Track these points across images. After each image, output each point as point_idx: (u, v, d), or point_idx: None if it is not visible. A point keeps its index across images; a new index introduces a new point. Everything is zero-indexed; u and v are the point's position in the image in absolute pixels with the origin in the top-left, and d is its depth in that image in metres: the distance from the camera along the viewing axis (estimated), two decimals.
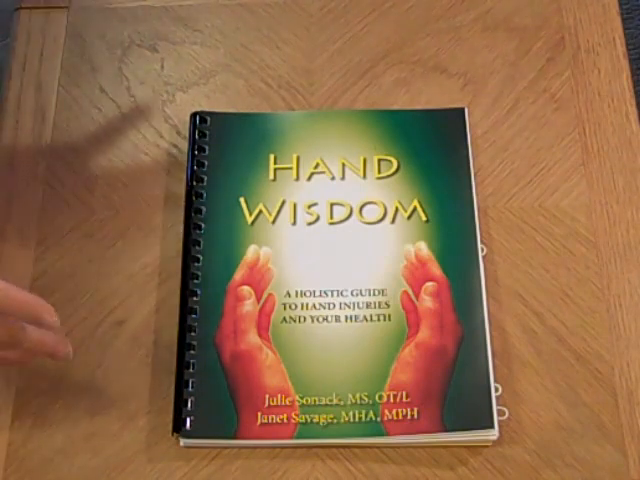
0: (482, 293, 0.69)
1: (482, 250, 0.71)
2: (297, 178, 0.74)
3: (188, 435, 0.65)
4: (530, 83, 0.78)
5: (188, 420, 0.66)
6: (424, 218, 0.72)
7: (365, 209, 0.72)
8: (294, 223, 0.72)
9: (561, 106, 0.77)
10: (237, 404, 0.66)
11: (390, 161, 0.74)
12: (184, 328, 0.68)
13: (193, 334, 0.68)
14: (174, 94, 0.80)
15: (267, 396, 0.66)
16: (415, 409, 0.65)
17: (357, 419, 0.65)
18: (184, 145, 0.76)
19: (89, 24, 0.83)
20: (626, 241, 0.72)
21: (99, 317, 0.71)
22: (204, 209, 0.72)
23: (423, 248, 0.71)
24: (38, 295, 0.60)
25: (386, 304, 0.69)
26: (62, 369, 0.69)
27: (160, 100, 0.79)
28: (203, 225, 0.72)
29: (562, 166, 0.75)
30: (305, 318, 0.68)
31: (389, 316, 0.68)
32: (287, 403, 0.66)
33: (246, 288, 0.69)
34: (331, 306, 0.69)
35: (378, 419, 0.65)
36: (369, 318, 0.68)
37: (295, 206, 0.73)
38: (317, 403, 0.66)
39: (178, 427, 0.65)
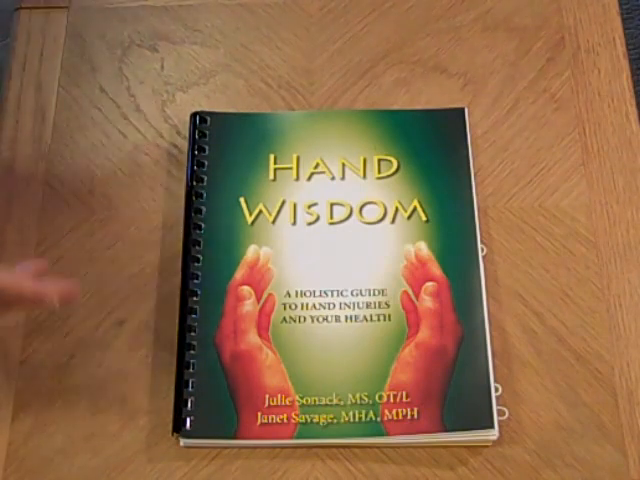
0: (482, 293, 0.69)
1: (482, 250, 0.71)
2: (297, 178, 0.74)
3: (188, 435, 0.65)
4: (530, 83, 0.78)
5: (188, 420, 0.66)
6: (424, 218, 0.72)
7: (365, 209, 0.72)
8: (294, 223, 0.72)
9: (561, 106, 0.77)
10: (237, 404, 0.66)
11: (390, 161, 0.74)
12: (184, 328, 0.68)
13: (193, 334, 0.68)
14: (174, 94, 0.80)
15: (267, 396, 0.66)
16: (415, 409, 0.65)
17: (357, 419, 0.65)
18: (184, 145, 0.76)
19: (89, 24, 0.83)
20: (626, 241, 0.72)
21: (99, 317, 0.71)
22: (204, 209, 0.72)
23: (423, 248, 0.71)
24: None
25: (386, 304, 0.69)
26: (62, 369, 0.69)
27: (160, 100, 0.79)
28: (203, 225, 0.72)
29: (562, 166, 0.75)
30: (305, 318, 0.68)
31: (389, 316, 0.68)
32: (287, 403, 0.66)
33: (246, 288, 0.69)
34: (331, 306, 0.69)
35: (378, 419, 0.65)
36: (369, 318, 0.68)
37: (295, 206, 0.73)
38: (317, 403, 0.66)
39: (178, 427, 0.65)
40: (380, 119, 0.76)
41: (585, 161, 0.75)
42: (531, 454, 0.65)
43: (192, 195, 0.73)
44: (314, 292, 0.69)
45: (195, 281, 0.70)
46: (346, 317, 0.68)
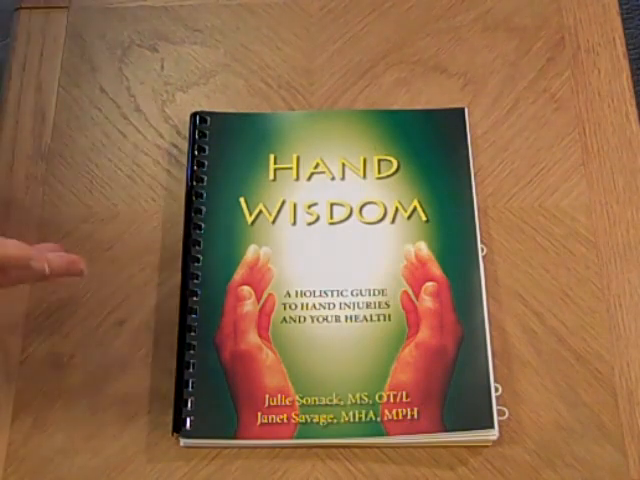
0: (482, 293, 0.69)
1: (482, 250, 0.71)
2: (297, 178, 0.74)
3: (188, 435, 0.65)
4: (530, 83, 0.78)
5: (188, 420, 0.66)
6: (424, 218, 0.72)
7: (365, 209, 0.72)
8: (294, 223, 0.72)
9: (561, 106, 0.77)
10: (237, 404, 0.66)
11: (390, 161, 0.74)
12: (184, 328, 0.68)
13: (193, 334, 0.68)
14: (174, 94, 0.80)
15: (267, 396, 0.66)
16: (415, 409, 0.65)
17: (357, 419, 0.65)
18: (184, 145, 0.76)
19: (89, 24, 0.83)
20: (626, 241, 0.72)
21: (99, 317, 0.71)
22: (204, 209, 0.72)
23: (423, 248, 0.71)
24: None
25: (386, 304, 0.69)
26: (62, 369, 0.69)
27: (160, 100, 0.79)
28: (203, 225, 0.72)
29: (562, 166, 0.75)
30: (305, 318, 0.68)
31: (389, 316, 0.68)
32: (287, 403, 0.66)
33: (246, 288, 0.69)
34: (331, 306, 0.69)
35: (378, 419, 0.65)
36: (369, 318, 0.68)
37: (295, 206, 0.73)
38: (317, 403, 0.66)
39: (178, 427, 0.65)
40: (380, 119, 0.76)
41: (585, 161, 0.75)
42: (531, 454, 0.65)
43: (192, 195, 0.73)
44: (314, 292, 0.69)
45: (195, 281, 0.70)
46: (346, 317, 0.68)
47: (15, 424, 0.67)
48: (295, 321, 0.68)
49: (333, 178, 0.74)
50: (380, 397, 0.66)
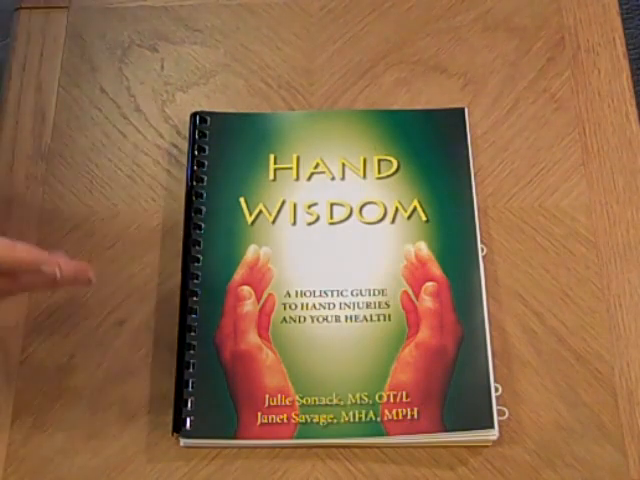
0: (482, 293, 0.69)
1: (482, 250, 0.71)
2: (297, 178, 0.74)
3: (188, 435, 0.65)
4: (530, 83, 0.78)
5: (188, 420, 0.66)
6: (424, 218, 0.72)
7: (365, 209, 0.72)
8: (294, 223, 0.72)
9: (561, 106, 0.77)
10: (237, 404, 0.66)
11: (390, 161, 0.74)
12: (184, 328, 0.68)
13: (193, 334, 0.68)
14: (174, 94, 0.80)
15: (267, 396, 0.66)
16: (415, 409, 0.65)
17: (357, 419, 0.65)
18: (184, 145, 0.76)
19: (89, 24, 0.83)
20: (626, 241, 0.72)
21: (99, 317, 0.71)
22: (204, 209, 0.72)
23: (423, 248, 0.71)
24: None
25: (386, 304, 0.69)
26: (62, 369, 0.69)
27: (160, 100, 0.79)
28: (203, 225, 0.72)
29: (562, 166, 0.75)
30: (305, 318, 0.68)
31: (389, 316, 0.68)
32: (287, 403, 0.66)
33: (246, 288, 0.69)
34: (331, 306, 0.69)
35: (378, 419, 0.65)
36: (369, 318, 0.68)
37: (295, 206, 0.73)
38: (317, 403, 0.66)
39: (178, 427, 0.65)
40: (380, 119, 0.76)
41: (585, 161, 0.75)
42: (531, 454, 0.65)
43: (192, 195, 0.73)
44: (314, 292, 0.69)
45: (195, 281, 0.70)
46: (346, 317, 0.68)
47: (15, 424, 0.67)
48: (295, 321, 0.68)
49: (333, 178, 0.74)
50: (380, 397, 0.66)
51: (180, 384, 0.66)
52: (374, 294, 0.69)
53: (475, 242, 0.71)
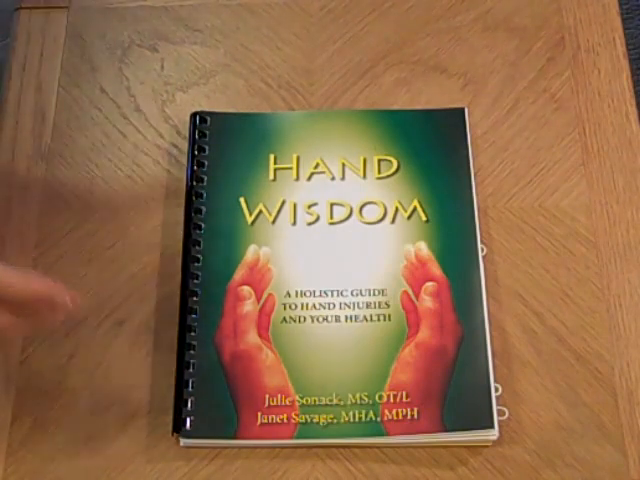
0: (482, 293, 0.69)
1: (482, 250, 0.71)
2: (297, 178, 0.74)
3: (188, 435, 0.65)
4: (530, 83, 0.78)
5: (188, 420, 0.66)
6: (424, 218, 0.72)
7: (365, 209, 0.72)
8: (294, 223, 0.72)
9: (561, 106, 0.77)
10: (237, 404, 0.66)
11: (390, 161, 0.74)
12: (184, 328, 0.68)
13: (193, 334, 0.68)
14: (174, 94, 0.80)
15: (267, 396, 0.66)
16: (415, 409, 0.65)
17: (357, 419, 0.65)
18: (184, 145, 0.76)
19: (89, 24, 0.83)
20: (626, 241, 0.72)
21: (99, 317, 0.71)
22: (204, 209, 0.72)
23: (423, 248, 0.71)
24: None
25: (386, 304, 0.69)
26: (62, 369, 0.69)
27: (160, 100, 0.79)
28: (203, 225, 0.72)
29: (562, 166, 0.75)
30: (305, 318, 0.68)
31: (389, 316, 0.68)
32: (287, 403, 0.66)
33: (246, 288, 0.69)
34: (331, 306, 0.69)
35: (378, 419, 0.65)
36: (369, 318, 0.68)
37: (295, 206, 0.73)
38: (317, 403, 0.66)
39: (178, 427, 0.65)
40: (380, 119, 0.76)
41: (585, 161, 0.75)
42: (531, 454, 0.65)
43: (192, 195, 0.73)
44: (314, 292, 0.69)
45: (195, 281, 0.70)
46: (346, 317, 0.68)
47: (15, 424, 0.67)
48: (295, 321, 0.68)
49: (333, 178, 0.74)
50: (380, 397, 0.66)
51: (180, 384, 0.66)
52: (374, 294, 0.69)
53: (475, 242, 0.71)
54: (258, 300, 0.69)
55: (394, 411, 0.65)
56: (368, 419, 0.65)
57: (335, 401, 0.66)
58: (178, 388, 0.66)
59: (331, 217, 0.72)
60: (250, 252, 0.71)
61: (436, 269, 0.70)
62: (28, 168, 0.77)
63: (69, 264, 0.73)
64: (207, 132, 0.76)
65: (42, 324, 0.60)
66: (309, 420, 0.65)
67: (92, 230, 0.74)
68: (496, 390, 0.66)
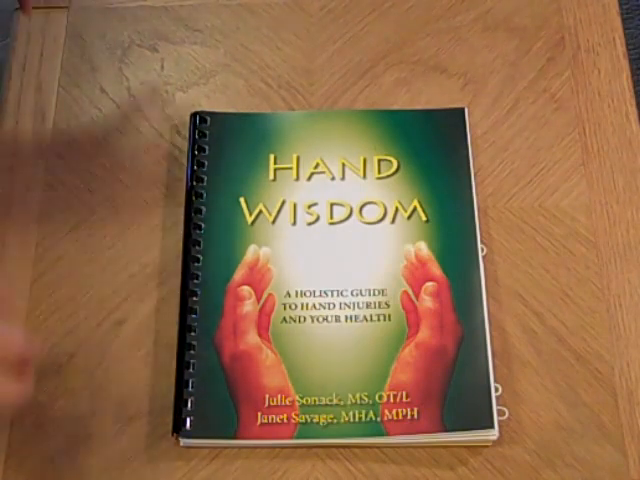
0: (482, 293, 0.69)
1: (482, 250, 0.71)
2: (297, 178, 0.74)
3: (188, 435, 0.65)
4: (530, 83, 0.78)
5: (188, 420, 0.66)
6: (424, 218, 0.72)
7: (365, 209, 0.72)
8: (294, 223, 0.72)
9: (561, 106, 0.77)
10: (237, 404, 0.66)
11: (390, 161, 0.74)
12: (184, 328, 0.68)
13: (193, 334, 0.68)
14: (174, 94, 0.80)
15: (267, 396, 0.66)
16: (415, 409, 0.65)
17: (357, 419, 0.65)
18: (184, 145, 0.76)
19: (89, 24, 0.83)
20: (626, 241, 0.72)
21: (99, 317, 0.71)
22: (204, 209, 0.72)
23: (423, 248, 0.71)
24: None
25: (386, 304, 0.69)
26: (62, 369, 0.69)
27: (160, 100, 0.79)
28: (203, 225, 0.72)
29: (562, 166, 0.75)
30: (305, 318, 0.68)
31: (389, 316, 0.68)
32: (287, 403, 0.66)
33: (246, 288, 0.69)
34: (331, 306, 0.69)
35: (378, 419, 0.65)
36: (369, 318, 0.68)
37: (295, 206, 0.73)
38: (317, 403, 0.66)
39: (178, 427, 0.65)
40: (380, 119, 0.76)
41: (585, 161, 0.75)
42: (531, 454, 0.65)
43: (192, 195, 0.73)
44: (314, 292, 0.69)
45: (195, 281, 0.70)
46: (346, 317, 0.68)
47: (15, 424, 0.67)
48: (295, 321, 0.68)
49: (333, 178, 0.74)
50: (380, 397, 0.66)
51: (180, 384, 0.66)
52: (374, 294, 0.69)
53: (475, 242, 0.71)
54: (258, 300, 0.69)
55: (394, 411, 0.65)
56: (368, 419, 0.65)
57: (335, 401, 0.66)
58: (178, 388, 0.66)
59: (331, 217, 0.72)
60: (250, 252, 0.71)
61: (436, 269, 0.70)
62: (28, 168, 0.77)
63: (69, 264, 0.73)
64: (207, 132, 0.76)
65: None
66: (309, 420, 0.65)
67: (92, 230, 0.74)
68: (496, 390, 0.66)
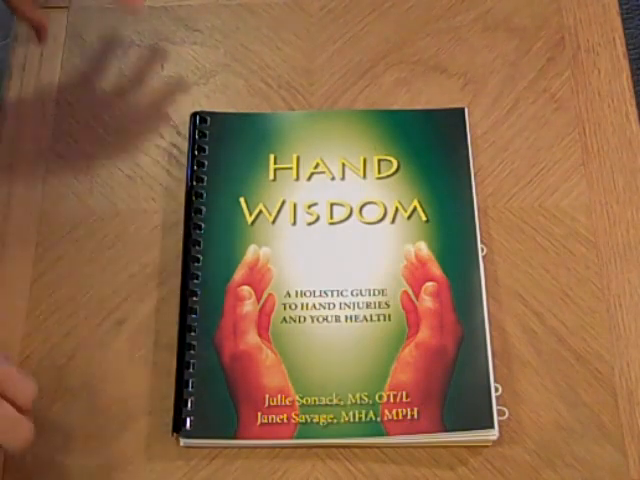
0: (482, 293, 0.69)
1: (482, 250, 0.71)
2: (297, 178, 0.74)
3: (188, 435, 0.65)
4: (530, 83, 0.78)
5: (188, 420, 0.66)
6: (424, 218, 0.72)
7: (365, 209, 0.72)
8: (294, 223, 0.72)
9: (561, 106, 0.77)
10: (237, 404, 0.66)
11: (390, 161, 0.74)
12: (184, 328, 0.68)
13: (193, 334, 0.68)
14: (174, 94, 0.80)
15: (267, 396, 0.66)
16: (415, 409, 0.65)
17: (357, 419, 0.65)
18: (184, 145, 0.76)
19: (89, 24, 0.83)
20: (626, 241, 0.72)
21: (99, 317, 0.71)
22: (204, 209, 0.72)
23: (423, 248, 0.71)
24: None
25: (386, 304, 0.69)
26: (62, 369, 0.69)
27: (160, 100, 0.79)
28: (203, 225, 0.72)
29: (562, 166, 0.75)
30: (305, 318, 0.68)
31: (389, 316, 0.68)
32: (287, 403, 0.66)
33: (246, 288, 0.69)
34: (331, 306, 0.69)
35: (378, 419, 0.65)
36: (369, 318, 0.68)
37: (295, 206, 0.73)
38: (317, 403, 0.66)
39: (178, 427, 0.65)
40: (380, 119, 0.76)
41: (585, 161, 0.75)
42: (531, 454, 0.65)
43: (192, 195, 0.73)
44: (314, 292, 0.69)
45: (195, 281, 0.70)
46: (346, 317, 0.68)
47: None
48: (295, 321, 0.68)
49: (333, 178, 0.74)
50: (380, 397, 0.66)
51: (180, 384, 0.66)
52: (374, 294, 0.69)
53: (475, 242, 0.71)
54: (258, 300, 0.69)
55: (394, 411, 0.65)
56: (368, 419, 0.65)
57: (335, 401, 0.66)
58: (178, 388, 0.66)
59: (331, 217, 0.72)
60: (250, 252, 0.71)
61: (436, 269, 0.70)
62: (28, 168, 0.77)
63: (69, 264, 0.73)
64: (207, 132, 0.76)
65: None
66: (309, 420, 0.65)
67: (92, 230, 0.74)
68: (496, 390, 0.66)
